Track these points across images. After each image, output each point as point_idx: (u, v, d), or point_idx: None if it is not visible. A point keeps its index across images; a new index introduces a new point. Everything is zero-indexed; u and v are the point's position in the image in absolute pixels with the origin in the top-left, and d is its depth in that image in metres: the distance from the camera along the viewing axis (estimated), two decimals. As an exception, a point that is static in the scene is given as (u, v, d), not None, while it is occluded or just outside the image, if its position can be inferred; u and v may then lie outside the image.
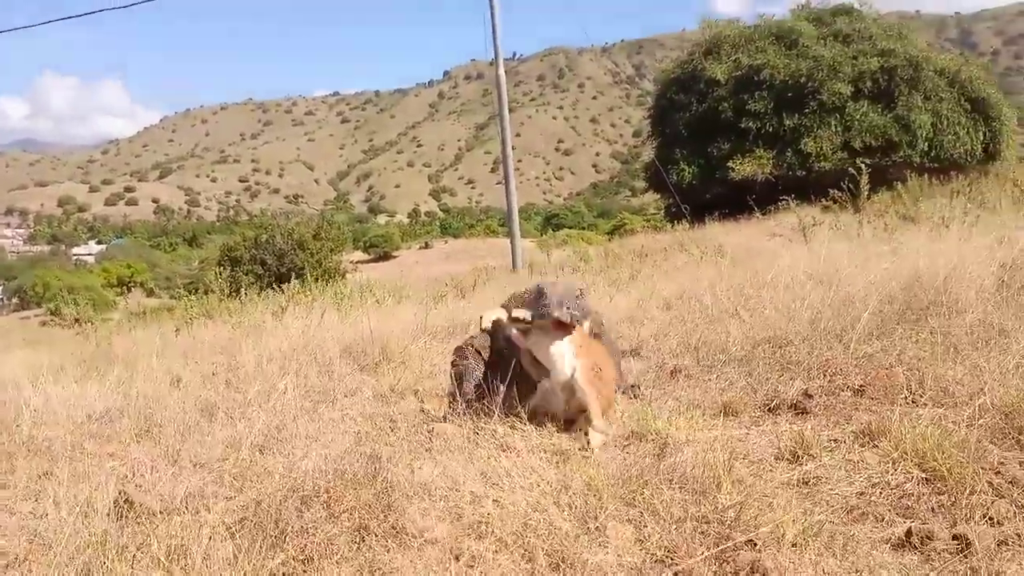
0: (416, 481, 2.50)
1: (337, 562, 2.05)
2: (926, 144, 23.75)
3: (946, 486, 2.30)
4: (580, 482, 2.41)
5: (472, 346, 3.76)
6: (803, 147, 23.83)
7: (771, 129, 24.46)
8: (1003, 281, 4.34)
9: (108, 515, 2.50)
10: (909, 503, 2.27)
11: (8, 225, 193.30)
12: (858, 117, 23.87)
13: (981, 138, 24.88)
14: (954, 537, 2.00)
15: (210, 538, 2.16)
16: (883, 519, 2.21)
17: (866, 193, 13.39)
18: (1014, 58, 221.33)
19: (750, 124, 24.55)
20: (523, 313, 3.30)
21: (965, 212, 9.58)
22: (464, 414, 3.27)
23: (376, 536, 2.16)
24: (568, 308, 3.13)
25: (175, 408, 4.38)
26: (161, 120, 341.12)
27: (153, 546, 2.12)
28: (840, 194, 12.65)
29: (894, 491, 2.35)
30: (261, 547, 2.11)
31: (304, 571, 2.05)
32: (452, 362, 3.85)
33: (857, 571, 1.91)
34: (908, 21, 29.27)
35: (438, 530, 2.11)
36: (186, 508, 2.51)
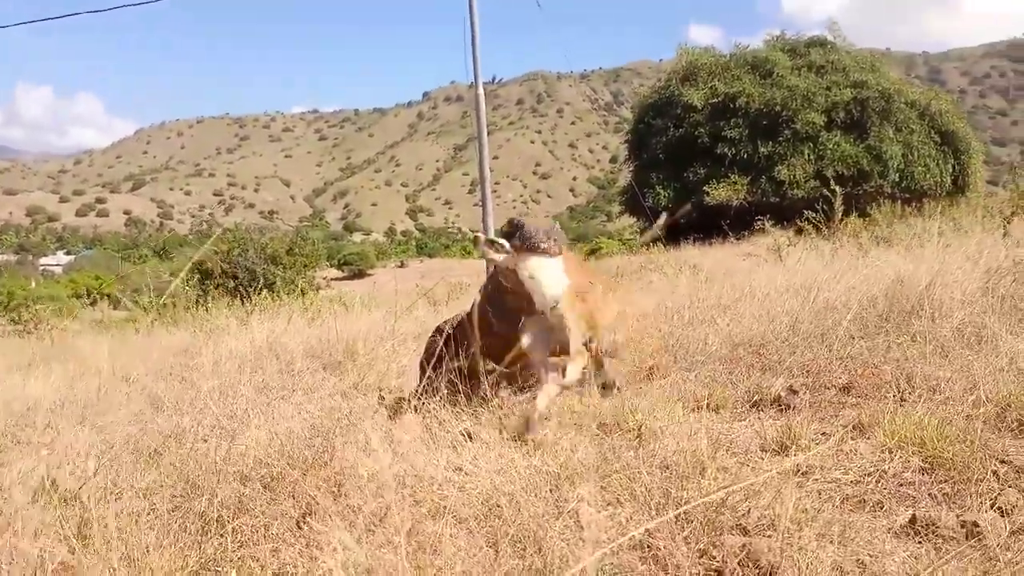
0: (371, 466, 2.28)
1: (275, 546, 1.83)
2: (897, 175, 24.12)
3: (948, 474, 2.15)
4: (552, 467, 2.21)
5: (451, 326, 3.55)
6: (777, 174, 24.06)
7: (746, 156, 24.69)
8: (988, 286, 4.25)
9: (28, 498, 2.24)
10: (910, 491, 2.11)
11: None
12: (831, 146, 24.19)
13: (950, 170, 25.38)
14: (962, 524, 1.83)
15: (135, 521, 1.93)
16: (883, 507, 2.04)
17: (840, 216, 13.44)
18: (979, 97, 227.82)
19: (726, 150, 24.76)
20: (501, 242, 3.12)
21: (940, 233, 9.61)
22: (430, 395, 3.05)
23: (321, 519, 1.94)
24: (554, 239, 2.99)
25: (122, 401, 4.11)
26: (136, 132, 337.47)
27: (66, 526, 1.89)
28: (814, 215, 12.68)
29: (892, 479, 2.19)
30: (191, 530, 1.88)
31: (238, 556, 1.82)
32: (429, 340, 3.64)
33: (858, 558, 1.74)
34: (878, 57, 29.74)
35: (392, 513, 1.89)
36: (115, 492, 2.27)
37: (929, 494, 2.08)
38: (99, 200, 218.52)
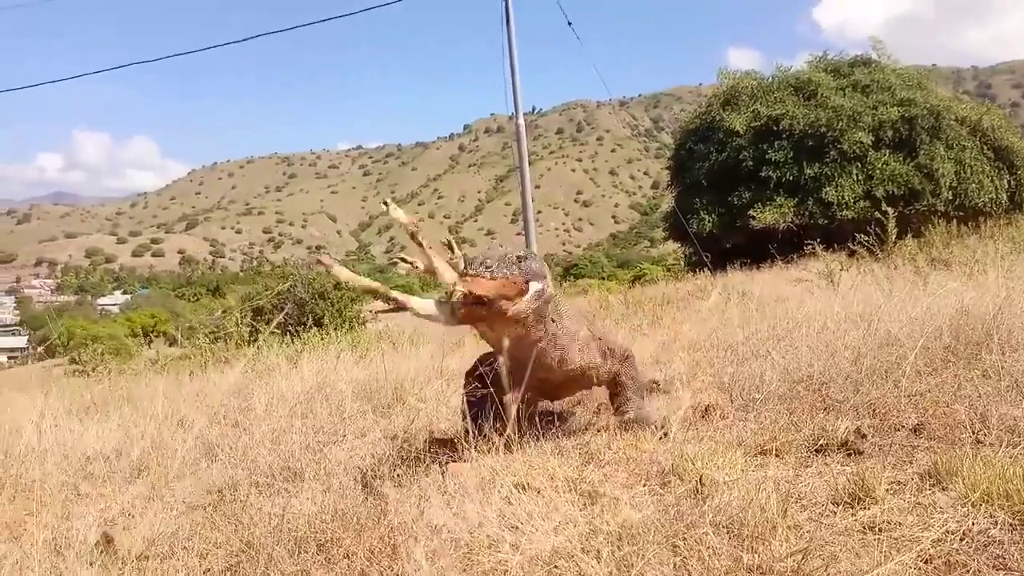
0: (426, 524, 2.24)
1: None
2: (950, 193, 23.41)
3: (1042, 533, 2.00)
4: (613, 525, 2.12)
5: (487, 365, 3.48)
6: (824, 196, 23.56)
7: (792, 178, 24.25)
8: (1062, 316, 4.04)
9: (84, 558, 2.25)
10: (999, 552, 1.97)
11: (37, 275, 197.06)
12: (879, 166, 23.63)
13: (1006, 186, 24.61)
14: (1063, 593, 1.70)
15: (190, 585, 1.91)
16: (970, 570, 1.90)
17: (894, 238, 13.07)
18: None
19: (770, 173, 24.37)
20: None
21: (1001, 256, 9.27)
22: (478, 447, 2.98)
23: (377, 585, 1.90)
24: (489, 267, 2.78)
25: (177, 449, 4.15)
26: (189, 173, 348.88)
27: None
28: (867, 238, 12.35)
29: (978, 538, 2.04)
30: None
31: (293, 625, 1.78)
32: (465, 385, 3.58)
33: (950, 632, 1.62)
34: (925, 74, 29.04)
35: (449, 578, 1.84)
36: (171, 551, 2.26)
37: (1021, 555, 1.94)
38: (154, 240, 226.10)
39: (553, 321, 3.15)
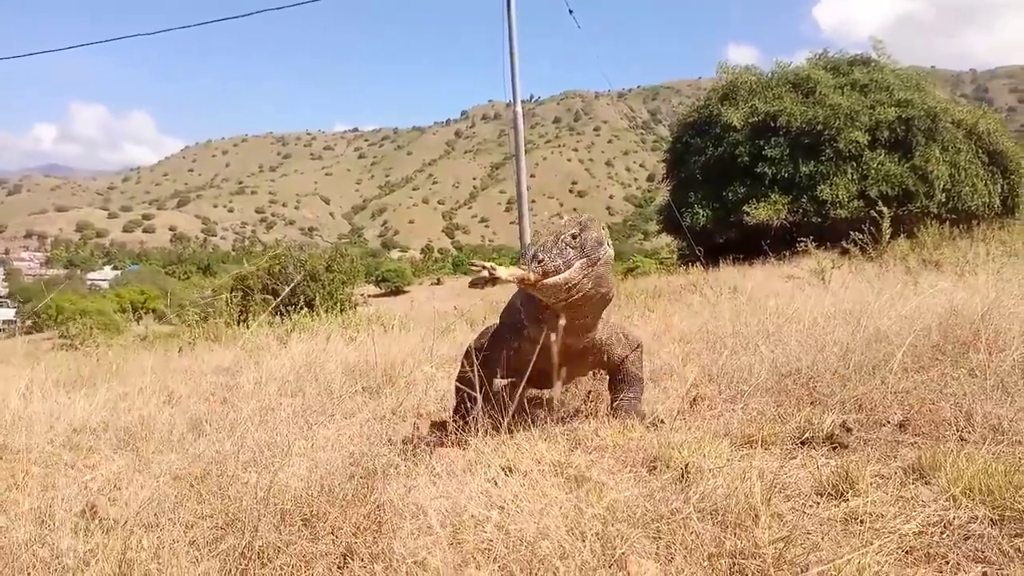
0: (411, 502, 2.25)
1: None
2: (943, 195, 23.51)
3: (1021, 528, 2.02)
4: (599, 508, 2.14)
5: (484, 348, 3.49)
6: (819, 194, 23.62)
7: (787, 175, 24.30)
8: (1050, 318, 4.08)
9: (69, 527, 2.25)
10: (978, 545, 1.99)
11: (26, 248, 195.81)
12: (875, 166, 23.69)
13: (999, 190, 24.72)
14: (1039, 586, 1.72)
15: (175, 555, 1.91)
16: (949, 562, 1.92)
17: (887, 238, 13.13)
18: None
19: (766, 169, 24.40)
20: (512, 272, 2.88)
21: (992, 258, 9.34)
22: (468, 429, 3.00)
23: (362, 560, 1.90)
24: (541, 259, 2.84)
25: (164, 423, 4.15)
26: (183, 150, 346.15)
27: (105, 563, 1.88)
28: (860, 237, 12.40)
29: (958, 531, 2.07)
30: (231, 569, 1.86)
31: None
32: (462, 365, 3.57)
33: (928, 622, 1.64)
34: (924, 75, 29.06)
35: (433, 555, 1.85)
36: (156, 522, 2.26)
37: (1000, 549, 1.96)
38: (146, 216, 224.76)
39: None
